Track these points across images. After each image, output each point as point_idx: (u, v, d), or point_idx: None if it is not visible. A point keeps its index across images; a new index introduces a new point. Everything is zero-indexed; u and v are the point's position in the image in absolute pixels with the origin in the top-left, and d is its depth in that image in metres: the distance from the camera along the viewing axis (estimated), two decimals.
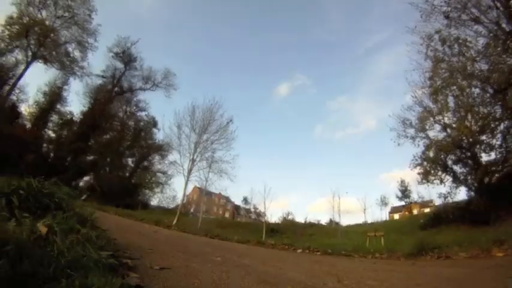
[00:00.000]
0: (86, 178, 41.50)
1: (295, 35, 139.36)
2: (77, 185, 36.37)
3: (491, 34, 15.40)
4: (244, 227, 34.86)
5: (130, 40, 45.06)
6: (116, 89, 46.05)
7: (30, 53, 36.50)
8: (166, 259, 4.04)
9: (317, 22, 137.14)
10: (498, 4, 14.92)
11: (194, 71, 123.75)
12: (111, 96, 44.66)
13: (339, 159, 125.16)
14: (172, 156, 30.98)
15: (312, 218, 55.91)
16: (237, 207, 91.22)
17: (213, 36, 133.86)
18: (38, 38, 36.24)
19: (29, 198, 3.42)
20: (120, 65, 45.67)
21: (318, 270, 5.14)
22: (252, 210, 63.64)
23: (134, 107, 48.50)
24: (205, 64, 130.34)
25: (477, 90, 17.75)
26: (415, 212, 50.93)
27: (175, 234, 10.89)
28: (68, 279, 1.81)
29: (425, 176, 20.59)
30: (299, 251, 8.12)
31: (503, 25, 15.09)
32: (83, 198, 17.18)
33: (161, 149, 42.55)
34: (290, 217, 57.40)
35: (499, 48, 14.75)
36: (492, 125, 17.99)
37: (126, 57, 45.13)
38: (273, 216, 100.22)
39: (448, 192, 20.99)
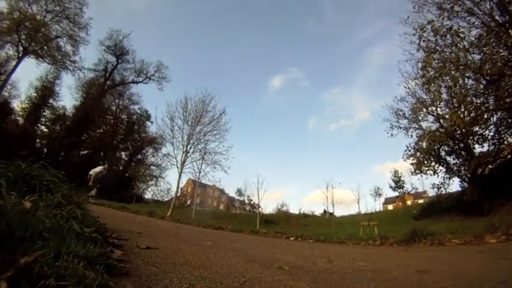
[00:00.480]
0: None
1: (289, 29, 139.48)
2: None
3: (484, 25, 15.39)
4: (238, 218, 35.03)
5: (122, 33, 44.83)
6: (108, 82, 45.81)
7: (21, 48, 36.32)
8: (155, 241, 4.00)
9: (311, 15, 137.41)
10: None
11: (187, 65, 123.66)
12: (103, 89, 44.38)
13: (333, 151, 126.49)
14: (166, 148, 31.06)
15: (307, 209, 56.58)
16: (231, 199, 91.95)
17: (206, 29, 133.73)
18: (29, 33, 36.00)
19: (17, 180, 3.35)
20: (112, 59, 45.46)
21: (309, 253, 5.12)
22: (247, 201, 63.80)
23: (127, 101, 48.47)
24: (199, 58, 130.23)
25: (470, 81, 17.81)
26: (408, 203, 51.32)
27: (168, 223, 10.83)
28: (44, 242, 1.77)
29: (419, 167, 20.70)
30: (292, 238, 8.12)
31: (497, 17, 15.11)
32: (91, 194, 16.04)
33: (154, 142, 42.69)
34: (285, 208, 58.03)
35: (492, 40, 14.76)
36: (485, 116, 18.05)
37: (118, 51, 44.81)
38: (268, 207, 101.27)
39: (441, 183, 21.14)
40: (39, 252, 1.55)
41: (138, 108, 48.61)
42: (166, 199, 48.93)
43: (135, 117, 48.37)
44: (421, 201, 41.28)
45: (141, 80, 47.17)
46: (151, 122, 44.46)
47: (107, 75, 45.65)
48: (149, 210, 16.80)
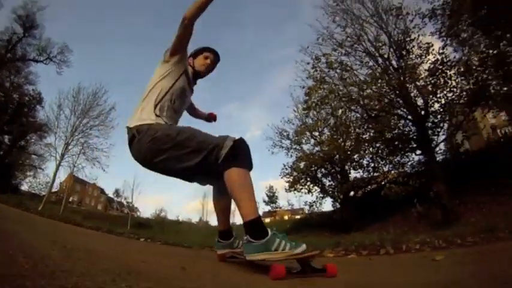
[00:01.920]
0: None
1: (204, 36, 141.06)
2: None
3: (379, 66, 16.83)
4: (113, 219, 33.70)
5: (38, 5, 40.41)
6: (9, 55, 41.20)
7: None
8: None
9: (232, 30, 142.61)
10: (392, 43, 16.37)
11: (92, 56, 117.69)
12: (2, 62, 39.79)
13: None
14: (50, 138, 29.01)
15: (185, 217, 58.55)
16: (110, 200, 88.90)
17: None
18: None
19: None
20: (20, 30, 40.87)
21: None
22: (125, 204, 61.49)
23: (23, 79, 43.55)
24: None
25: (354, 114, 19.27)
26: (286, 217, 54.45)
27: (24, 214, 10.15)
28: None
29: (293, 184, 22.56)
30: (142, 239, 8.13)
31: (393, 62, 16.58)
32: None
33: (41, 129, 38.67)
34: (163, 214, 59.33)
35: (382, 81, 16.10)
36: (364, 146, 19.61)
37: (29, 22, 40.63)
38: (147, 212, 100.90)
39: (314, 202, 23.59)
40: None
41: (32, 90, 43.95)
42: (44, 193, 44.90)
43: (27, 98, 43.46)
44: (298, 217, 44.29)
45: (42, 59, 42.74)
46: (42, 107, 40.51)
47: (9, 47, 41.02)
48: (18, 202, 15.46)
